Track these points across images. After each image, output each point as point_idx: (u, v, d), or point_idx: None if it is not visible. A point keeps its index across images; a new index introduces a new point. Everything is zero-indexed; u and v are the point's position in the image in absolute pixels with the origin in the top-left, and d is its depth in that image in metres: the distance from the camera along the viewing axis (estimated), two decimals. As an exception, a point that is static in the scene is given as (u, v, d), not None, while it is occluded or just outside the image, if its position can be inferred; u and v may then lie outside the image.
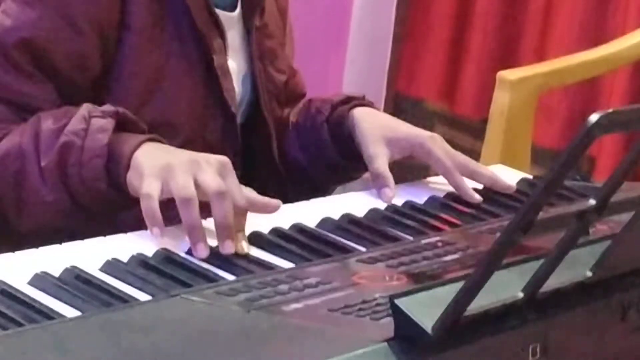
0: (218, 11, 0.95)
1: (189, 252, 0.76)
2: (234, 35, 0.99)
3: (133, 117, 0.83)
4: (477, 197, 0.92)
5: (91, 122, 0.80)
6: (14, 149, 0.82)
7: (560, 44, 2.23)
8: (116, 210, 0.82)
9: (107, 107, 0.82)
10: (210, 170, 0.74)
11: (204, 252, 0.71)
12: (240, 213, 0.75)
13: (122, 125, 0.82)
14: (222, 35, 0.96)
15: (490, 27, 2.42)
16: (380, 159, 0.96)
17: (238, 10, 1.00)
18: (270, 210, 0.80)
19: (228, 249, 0.72)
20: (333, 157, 1.01)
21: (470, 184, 0.97)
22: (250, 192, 0.79)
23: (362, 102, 1.02)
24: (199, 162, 0.75)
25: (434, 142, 0.94)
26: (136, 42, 0.90)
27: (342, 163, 1.01)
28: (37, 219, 0.82)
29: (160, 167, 0.75)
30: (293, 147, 1.05)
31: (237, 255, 0.75)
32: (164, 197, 0.73)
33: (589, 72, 1.83)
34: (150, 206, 0.72)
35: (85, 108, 0.81)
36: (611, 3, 2.27)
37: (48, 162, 0.79)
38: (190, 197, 0.71)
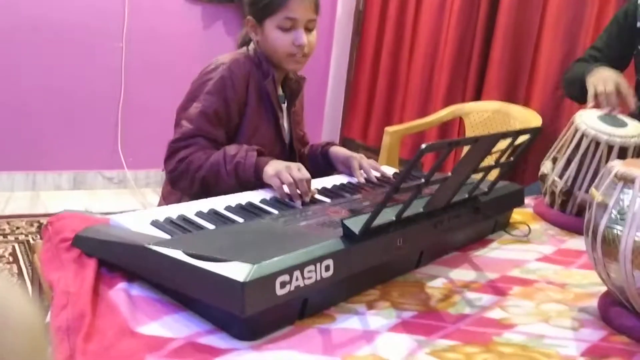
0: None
1: (262, 201, 1.26)
2: (285, 113, 1.62)
3: (263, 150, 1.42)
4: (362, 180, 1.53)
5: (247, 153, 1.37)
6: (216, 160, 1.40)
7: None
8: (252, 186, 1.37)
9: (252, 147, 1.41)
10: (296, 169, 1.31)
11: (299, 202, 1.29)
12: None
13: (260, 153, 1.40)
14: (282, 112, 1.56)
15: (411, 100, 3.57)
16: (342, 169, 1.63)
17: (285, 103, 1.65)
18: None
19: (308, 199, 1.31)
20: (323, 168, 1.62)
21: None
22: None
23: (333, 144, 1.65)
24: (291, 166, 1.32)
25: (354, 159, 1.54)
26: (250, 111, 1.50)
27: (327, 169, 1.62)
28: (224, 189, 1.36)
29: (279, 170, 1.32)
30: (306, 165, 1.60)
31: (280, 201, 1.28)
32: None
33: (420, 128, 3.04)
34: (292, 190, 1.31)
35: (244, 147, 1.40)
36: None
37: (230, 169, 1.37)
38: (292, 183, 1.31)
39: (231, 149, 1.45)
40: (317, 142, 1.79)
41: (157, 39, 3.55)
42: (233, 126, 1.56)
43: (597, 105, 1.67)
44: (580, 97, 1.85)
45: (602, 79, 1.72)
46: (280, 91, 1.68)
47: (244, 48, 1.64)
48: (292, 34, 1.55)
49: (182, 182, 1.48)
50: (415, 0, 3.55)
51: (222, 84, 1.52)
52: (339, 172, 1.65)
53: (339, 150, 1.69)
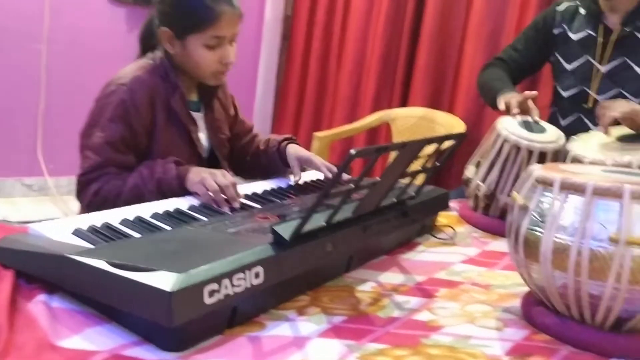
0: (193, 113, 1.52)
1: (190, 208, 1.25)
2: (200, 122, 1.54)
3: (180, 160, 1.37)
4: (329, 175, 1.54)
5: (165, 166, 1.33)
6: (134, 182, 1.34)
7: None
8: (177, 195, 1.32)
9: (168, 159, 1.37)
10: (220, 175, 1.28)
11: (227, 208, 1.27)
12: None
13: (178, 163, 1.36)
14: (195, 124, 1.49)
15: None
16: (296, 171, 1.59)
17: (202, 111, 1.58)
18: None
19: (237, 205, 1.28)
20: (279, 165, 1.59)
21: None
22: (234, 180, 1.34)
23: (291, 140, 1.61)
24: (215, 173, 1.30)
25: (316, 158, 1.54)
26: (159, 131, 1.43)
27: (282, 168, 1.59)
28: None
29: (203, 177, 1.30)
30: (262, 159, 1.64)
31: (209, 208, 1.26)
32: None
33: (349, 133, 3.08)
34: (218, 197, 1.29)
35: (159, 161, 1.36)
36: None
37: (152, 187, 1.32)
38: (217, 190, 1.29)
39: (146, 168, 1.40)
40: (275, 136, 1.72)
41: (79, 41, 3.44)
42: (142, 149, 1.47)
43: (507, 111, 1.73)
44: (492, 107, 1.93)
45: (509, 97, 1.79)
46: (194, 98, 1.61)
47: (149, 56, 1.54)
48: (218, 52, 1.48)
49: None
50: (342, 7, 3.58)
51: (124, 109, 1.43)
52: (288, 169, 1.64)
53: (299, 150, 1.64)
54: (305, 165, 1.60)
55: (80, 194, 1.44)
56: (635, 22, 1.89)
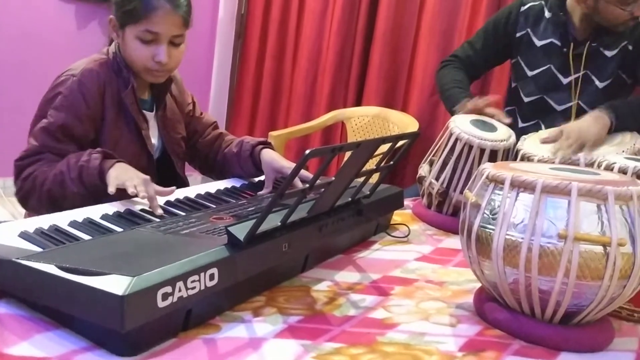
0: (145, 112, 1.49)
1: (143, 209, 1.20)
2: (152, 121, 1.51)
3: (110, 152, 1.31)
4: (300, 185, 1.45)
5: (91, 156, 1.27)
6: (59, 169, 1.29)
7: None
8: (102, 192, 1.25)
9: (97, 149, 1.30)
10: (141, 183, 1.23)
11: (159, 211, 1.21)
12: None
13: (106, 156, 1.30)
14: (146, 121, 1.46)
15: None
16: (268, 180, 1.53)
17: (154, 111, 1.54)
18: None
19: (160, 211, 1.22)
20: (252, 170, 1.54)
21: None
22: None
23: (266, 145, 1.55)
24: (139, 176, 1.24)
25: (289, 169, 1.46)
26: (108, 126, 1.39)
27: (255, 174, 1.54)
28: (72, 200, 1.27)
29: (128, 177, 1.23)
30: (235, 163, 1.58)
31: (162, 209, 1.22)
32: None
33: (304, 132, 3.07)
34: (147, 194, 1.23)
35: (88, 150, 1.30)
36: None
37: (74, 175, 1.26)
38: (147, 196, 1.22)
39: (74, 155, 1.36)
40: (250, 139, 1.65)
41: (26, 38, 3.34)
42: (88, 142, 1.44)
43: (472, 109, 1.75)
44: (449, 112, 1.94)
45: (474, 102, 1.79)
46: (146, 96, 1.58)
47: (104, 51, 1.52)
48: (152, 48, 1.45)
49: (30, 201, 1.37)
50: (297, 5, 3.58)
51: (72, 100, 1.40)
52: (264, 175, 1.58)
53: (274, 158, 1.56)
54: (279, 175, 1.54)
55: (15, 180, 1.42)
56: (602, 37, 1.88)
